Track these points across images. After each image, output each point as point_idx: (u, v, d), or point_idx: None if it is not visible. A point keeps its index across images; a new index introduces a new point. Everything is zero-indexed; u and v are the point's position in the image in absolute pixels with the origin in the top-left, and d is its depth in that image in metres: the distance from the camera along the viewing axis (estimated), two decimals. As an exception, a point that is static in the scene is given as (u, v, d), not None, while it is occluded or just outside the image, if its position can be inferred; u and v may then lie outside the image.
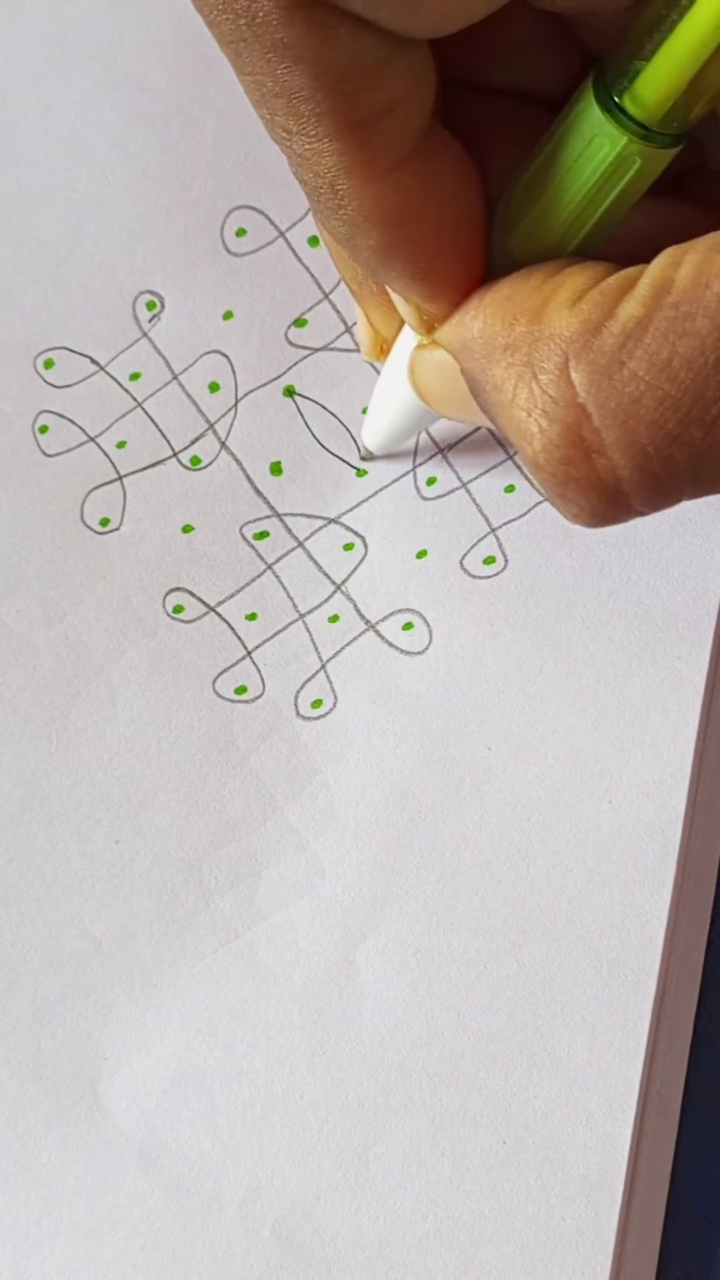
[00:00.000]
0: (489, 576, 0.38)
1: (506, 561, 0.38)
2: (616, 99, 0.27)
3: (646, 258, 0.27)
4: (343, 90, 0.26)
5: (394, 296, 0.31)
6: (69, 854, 0.38)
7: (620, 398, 0.26)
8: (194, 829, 0.38)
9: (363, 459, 0.39)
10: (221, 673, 0.39)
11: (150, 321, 0.39)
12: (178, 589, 0.39)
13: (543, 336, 0.27)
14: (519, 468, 0.38)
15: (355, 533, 0.39)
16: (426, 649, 0.38)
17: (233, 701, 0.38)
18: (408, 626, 0.38)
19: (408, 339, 0.34)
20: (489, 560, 0.38)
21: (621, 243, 0.29)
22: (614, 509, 0.27)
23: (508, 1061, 0.37)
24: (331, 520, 0.39)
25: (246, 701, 0.38)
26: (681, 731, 0.37)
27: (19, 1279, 0.37)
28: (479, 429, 0.39)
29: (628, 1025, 0.36)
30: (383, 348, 0.36)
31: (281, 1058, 0.37)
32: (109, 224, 0.39)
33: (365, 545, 0.39)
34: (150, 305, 0.39)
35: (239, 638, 0.39)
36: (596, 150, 0.27)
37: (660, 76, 0.26)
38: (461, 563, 0.38)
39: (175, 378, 0.39)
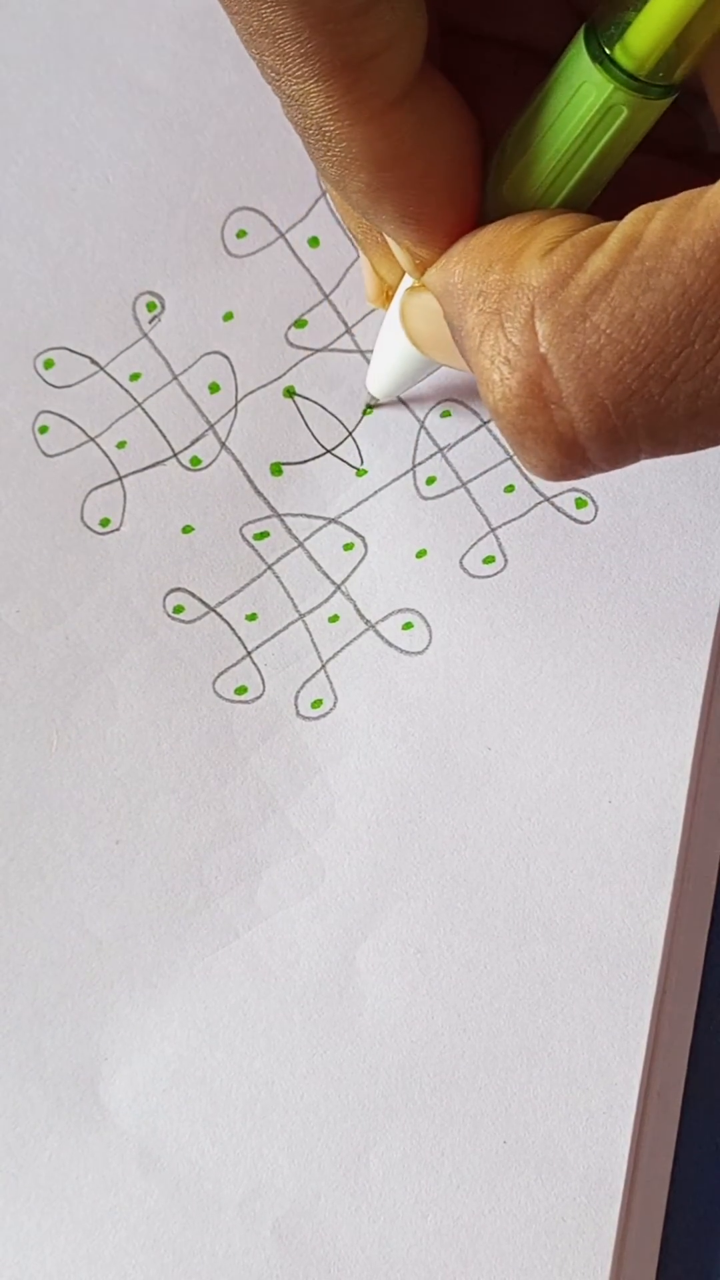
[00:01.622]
0: (489, 576, 0.38)
1: (506, 561, 0.38)
2: (607, 49, 0.27)
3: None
4: (327, 31, 0.26)
5: (389, 240, 0.31)
6: (69, 854, 0.38)
7: (580, 350, 0.26)
8: (194, 829, 0.38)
9: (369, 405, 0.39)
10: (222, 673, 0.39)
11: (150, 322, 0.39)
12: (178, 589, 0.39)
13: (513, 285, 0.27)
14: (509, 454, 0.38)
15: (355, 533, 0.39)
16: (426, 649, 0.38)
17: (233, 702, 0.38)
18: (407, 626, 0.38)
19: (406, 285, 0.34)
20: (489, 560, 0.38)
21: (616, 198, 0.29)
22: (571, 462, 0.27)
23: (508, 1061, 0.37)
24: (331, 520, 0.39)
25: (246, 702, 0.38)
26: (681, 731, 0.37)
27: (19, 1279, 0.37)
28: (479, 428, 0.39)
29: (628, 1025, 0.36)
30: (387, 294, 0.36)
31: (282, 1058, 0.37)
32: (109, 225, 0.39)
33: (365, 545, 0.39)
34: (150, 306, 0.39)
35: (239, 638, 0.39)
36: (584, 98, 0.28)
37: (650, 28, 0.26)
38: (461, 562, 0.38)
39: (175, 378, 0.39)
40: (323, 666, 0.38)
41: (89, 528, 0.39)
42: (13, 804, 0.38)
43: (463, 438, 0.39)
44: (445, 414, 0.39)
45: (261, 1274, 0.36)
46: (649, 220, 0.26)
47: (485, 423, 0.39)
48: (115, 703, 0.38)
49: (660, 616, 0.38)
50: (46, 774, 0.38)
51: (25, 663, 0.39)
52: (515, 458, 0.28)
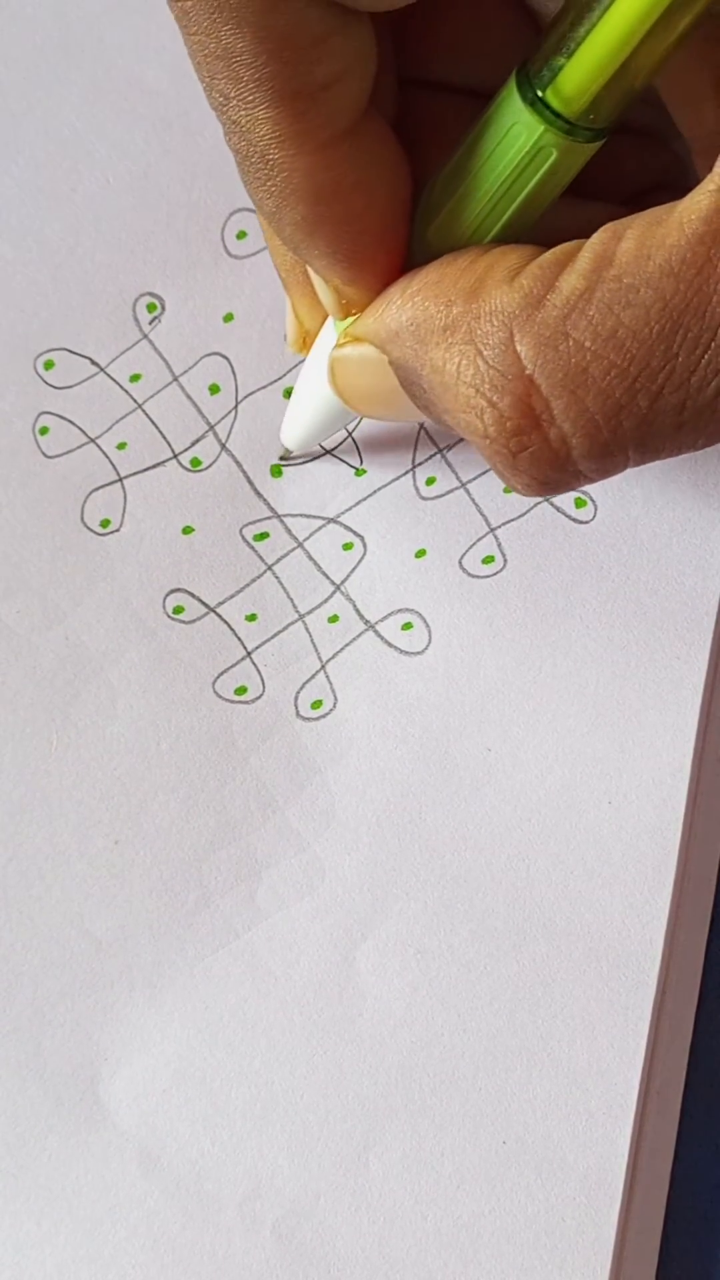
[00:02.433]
0: (488, 576, 0.38)
1: (505, 561, 0.38)
2: (539, 92, 0.27)
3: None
4: (284, 59, 0.26)
5: (315, 280, 0.31)
6: (69, 854, 0.38)
7: (567, 368, 0.26)
8: (194, 829, 0.38)
9: (281, 459, 0.39)
10: (221, 673, 0.39)
11: (151, 323, 0.39)
12: (178, 590, 0.39)
13: (483, 313, 0.27)
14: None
15: (354, 533, 0.39)
16: (426, 649, 0.38)
17: (233, 702, 0.38)
18: (407, 626, 0.38)
19: (329, 334, 0.33)
20: (488, 560, 0.38)
21: (552, 239, 0.29)
22: (564, 478, 0.28)
23: (508, 1061, 0.37)
24: (331, 520, 0.39)
25: (246, 702, 0.38)
26: (681, 731, 0.37)
27: (19, 1279, 0.37)
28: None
29: (628, 1025, 0.36)
30: (306, 340, 0.35)
31: (282, 1058, 0.37)
32: (109, 226, 0.39)
33: (364, 545, 0.39)
34: (151, 307, 0.39)
35: (239, 638, 0.39)
36: (514, 140, 0.28)
37: (581, 71, 0.26)
38: (460, 562, 0.38)
39: (176, 379, 0.39)
40: (322, 667, 0.38)
41: (89, 529, 0.39)
42: (12, 804, 0.38)
43: (462, 438, 0.39)
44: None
45: (261, 1274, 0.36)
46: (619, 238, 0.26)
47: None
48: (115, 703, 0.38)
49: (660, 616, 0.38)
50: (46, 774, 0.38)
51: (25, 663, 0.39)
52: (503, 480, 0.28)
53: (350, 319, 0.31)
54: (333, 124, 0.27)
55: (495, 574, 0.38)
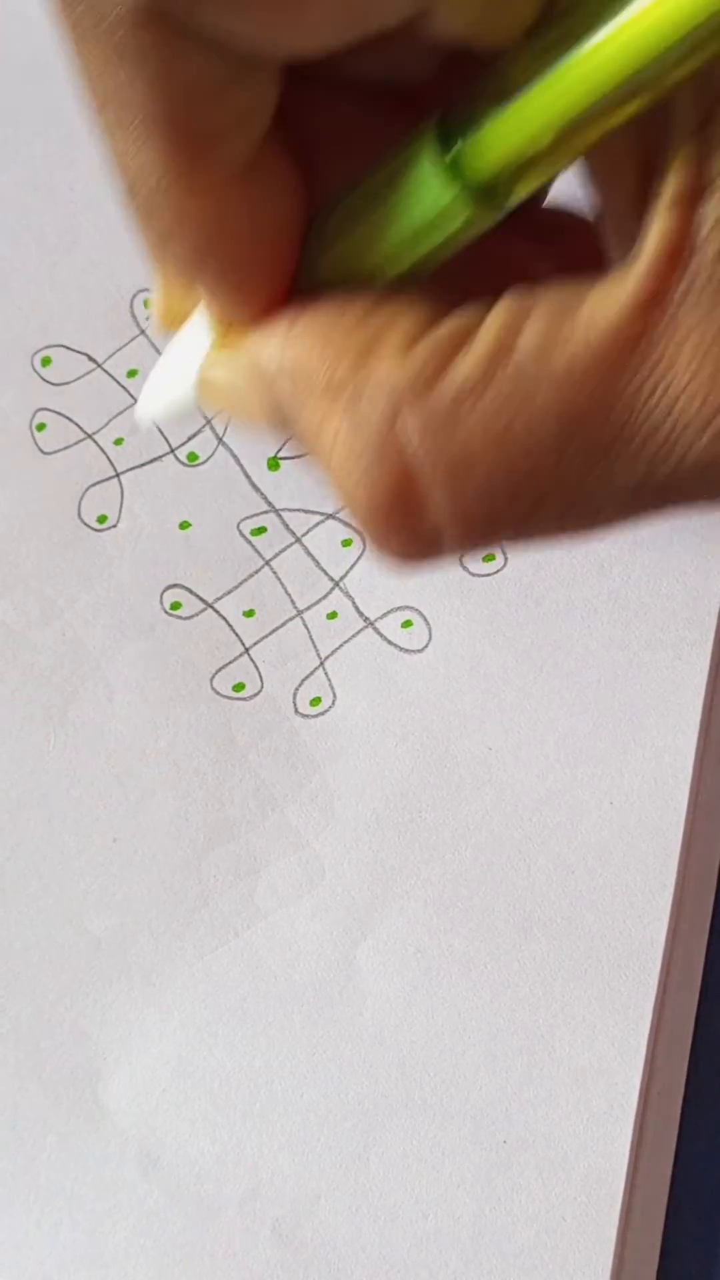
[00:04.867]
0: (488, 574, 0.38)
1: (506, 559, 0.38)
2: (454, 151, 0.25)
3: (469, 289, 0.26)
4: (181, 104, 0.25)
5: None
6: (67, 852, 0.38)
7: (451, 460, 0.25)
8: (193, 827, 0.38)
9: (131, 433, 0.38)
10: (219, 669, 0.38)
11: (148, 319, 0.39)
12: (175, 585, 0.39)
13: (369, 382, 0.26)
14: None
15: (353, 528, 0.39)
16: (426, 647, 0.38)
17: (231, 699, 0.38)
18: (407, 624, 0.38)
19: (201, 325, 0.32)
20: (488, 558, 0.38)
21: (451, 271, 0.27)
22: (430, 559, 0.26)
23: (508, 1061, 0.37)
24: (329, 515, 0.39)
25: (245, 699, 0.38)
26: (682, 731, 0.37)
27: (19, 1279, 0.37)
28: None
29: (628, 1025, 0.36)
30: (175, 317, 0.34)
31: (281, 1057, 0.37)
32: (107, 223, 0.39)
33: (363, 541, 0.39)
34: (148, 303, 0.39)
35: (237, 634, 0.39)
36: (423, 196, 0.26)
37: (502, 142, 0.25)
38: (461, 560, 0.38)
39: (173, 374, 0.39)
40: (321, 664, 0.38)
41: (86, 524, 0.39)
42: (10, 802, 0.38)
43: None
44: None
45: (261, 1274, 0.36)
46: (520, 326, 0.25)
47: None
48: (113, 699, 0.38)
49: (660, 615, 0.38)
50: (44, 771, 0.38)
51: (23, 660, 0.38)
52: (369, 547, 0.28)
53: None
54: (226, 167, 0.26)
55: (496, 572, 0.38)
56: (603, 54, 0.23)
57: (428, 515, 0.26)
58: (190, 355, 0.32)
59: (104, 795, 0.38)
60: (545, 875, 0.37)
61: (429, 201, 0.26)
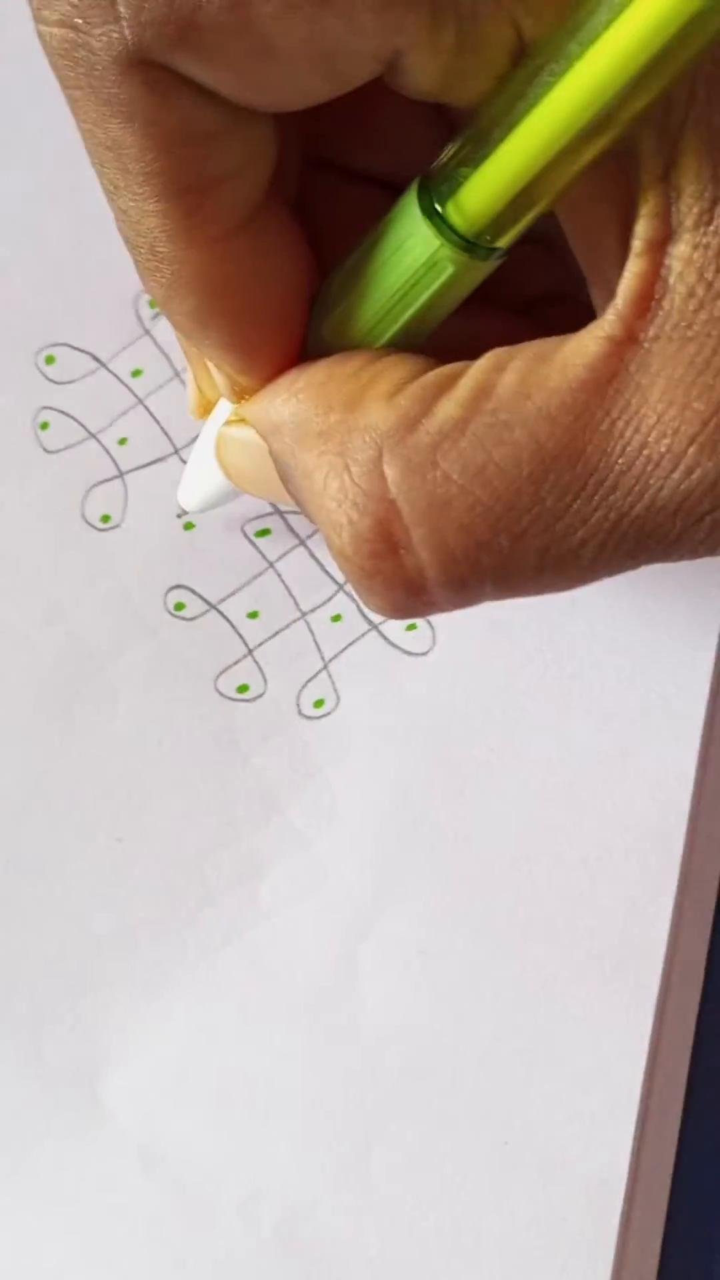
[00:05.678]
0: (492, 576, 0.38)
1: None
2: (439, 205, 0.26)
3: (461, 357, 0.26)
4: (173, 154, 0.25)
5: (209, 363, 0.31)
6: (70, 852, 0.38)
7: (431, 498, 0.26)
8: (196, 828, 0.38)
9: (178, 516, 0.39)
10: (223, 671, 0.38)
11: (153, 319, 0.39)
12: (179, 586, 0.39)
13: (357, 427, 0.26)
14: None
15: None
16: (430, 650, 0.38)
17: (234, 700, 0.38)
18: (411, 627, 0.38)
19: (225, 407, 0.33)
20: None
21: (444, 345, 0.28)
22: (417, 604, 0.27)
23: (510, 1062, 0.37)
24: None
25: (248, 700, 0.38)
26: (685, 734, 0.37)
27: (19, 1279, 0.37)
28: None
29: (630, 1027, 0.36)
30: (206, 408, 0.35)
31: (283, 1057, 0.37)
32: (111, 222, 0.39)
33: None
34: (153, 303, 0.39)
35: (240, 636, 0.39)
36: (411, 250, 0.27)
37: (483, 191, 0.25)
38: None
39: (177, 374, 0.39)
40: (325, 666, 0.38)
41: (90, 524, 0.39)
42: (14, 802, 0.38)
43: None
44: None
45: (262, 1274, 0.36)
46: (501, 371, 0.26)
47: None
48: (116, 701, 0.38)
49: (664, 618, 0.38)
50: (47, 772, 0.38)
51: (26, 661, 0.38)
52: (357, 595, 0.28)
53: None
54: (225, 219, 0.26)
55: (499, 574, 0.38)
56: (563, 96, 0.24)
57: (411, 554, 0.26)
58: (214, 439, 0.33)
59: (107, 796, 0.38)
60: (548, 877, 0.37)
61: (417, 253, 0.27)
